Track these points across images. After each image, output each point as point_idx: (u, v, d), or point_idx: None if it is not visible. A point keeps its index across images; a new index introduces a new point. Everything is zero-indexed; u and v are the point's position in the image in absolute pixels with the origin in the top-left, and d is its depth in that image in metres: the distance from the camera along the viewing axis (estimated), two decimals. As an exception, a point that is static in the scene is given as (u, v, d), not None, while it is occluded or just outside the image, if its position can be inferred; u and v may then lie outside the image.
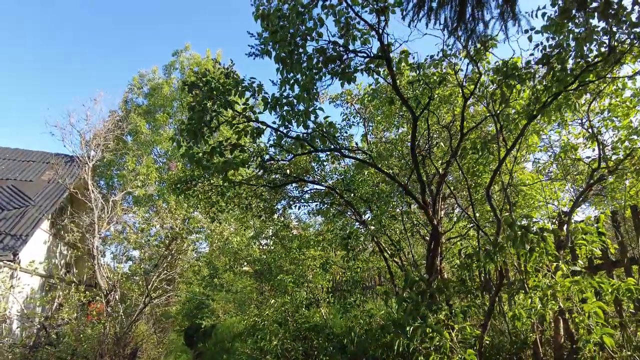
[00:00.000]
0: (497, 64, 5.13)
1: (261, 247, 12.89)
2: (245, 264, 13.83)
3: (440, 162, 6.45)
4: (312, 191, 8.31)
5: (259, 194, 7.28)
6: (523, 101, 5.38)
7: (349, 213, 7.60)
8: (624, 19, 4.68)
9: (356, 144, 7.37)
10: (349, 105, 7.92)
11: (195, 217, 15.53)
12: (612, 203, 6.26)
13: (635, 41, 4.92)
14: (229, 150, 4.63)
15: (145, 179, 19.58)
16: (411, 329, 3.37)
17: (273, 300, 7.18)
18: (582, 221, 5.45)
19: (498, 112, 4.85)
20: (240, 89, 4.98)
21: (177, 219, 13.52)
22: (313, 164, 7.69)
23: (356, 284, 7.60)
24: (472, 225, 8.24)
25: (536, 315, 3.72)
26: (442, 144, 6.67)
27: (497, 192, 6.81)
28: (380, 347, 4.92)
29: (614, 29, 4.75)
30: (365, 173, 7.04)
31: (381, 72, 5.70)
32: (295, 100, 5.11)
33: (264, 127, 5.10)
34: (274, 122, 5.30)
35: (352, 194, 6.60)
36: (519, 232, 3.48)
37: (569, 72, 4.84)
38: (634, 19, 4.73)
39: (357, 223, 7.45)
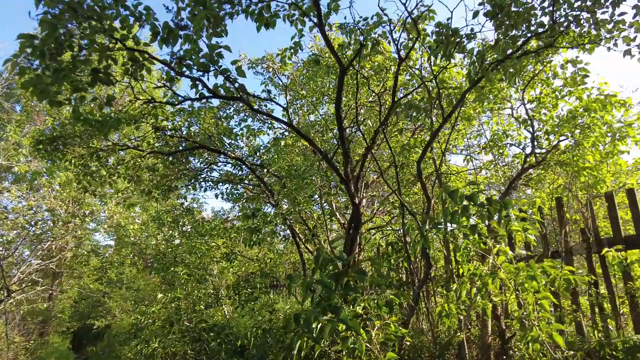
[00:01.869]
0: (438, 27, 4.52)
1: (164, 235, 11.31)
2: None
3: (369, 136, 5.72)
4: (222, 171, 7.16)
5: (152, 166, 5.97)
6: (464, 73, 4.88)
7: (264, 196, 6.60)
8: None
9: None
10: (271, 74, 6.91)
11: (92, 203, 13.36)
12: (537, 195, 6.01)
13: (572, 24, 4.63)
14: (91, 77, 3.37)
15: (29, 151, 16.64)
16: (319, 326, 2.46)
17: (161, 295, 5.93)
18: (515, 207, 5.04)
19: (435, 75, 4.20)
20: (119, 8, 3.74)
21: (65, 200, 11.43)
22: (224, 138, 6.55)
23: (265, 277, 6.58)
24: (394, 217, 7.68)
25: (473, 308, 3.03)
26: (369, 122, 5.95)
27: (425, 178, 6.26)
28: (284, 349, 4.02)
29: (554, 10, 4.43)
30: (282, 144, 6.09)
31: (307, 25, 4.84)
32: (195, 36, 4.01)
33: (151, 61, 3.90)
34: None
35: (264, 169, 5.60)
36: (462, 204, 2.75)
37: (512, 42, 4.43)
38: (572, 0, 4.42)
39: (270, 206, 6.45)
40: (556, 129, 5.78)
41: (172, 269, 7.04)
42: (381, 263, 4.85)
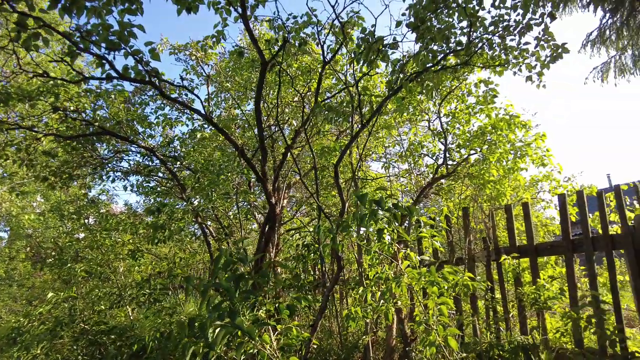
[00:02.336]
0: (364, 34, 4.59)
1: (64, 228, 10.23)
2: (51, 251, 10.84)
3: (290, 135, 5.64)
4: (133, 161, 6.63)
5: (50, 151, 5.33)
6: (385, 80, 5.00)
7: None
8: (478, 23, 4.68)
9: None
10: (194, 62, 6.55)
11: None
12: (446, 204, 6.36)
13: (486, 46, 4.96)
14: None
15: None
16: (215, 331, 2.31)
17: (51, 294, 5.29)
18: (423, 215, 5.26)
19: (357, 80, 4.24)
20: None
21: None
22: (137, 125, 6.07)
23: (174, 278, 6.19)
24: (314, 219, 7.69)
25: (376, 312, 3.06)
26: (293, 121, 5.88)
27: (344, 184, 6.34)
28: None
29: (471, 32, 4.71)
30: (198, 136, 5.78)
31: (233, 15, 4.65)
32: (104, 10, 3.63)
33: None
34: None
35: (178, 162, 5.26)
36: (371, 208, 2.76)
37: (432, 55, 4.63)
38: (486, 24, 4.73)
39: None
40: (467, 143, 6.17)
41: (68, 265, 6.35)
42: (294, 265, 4.79)
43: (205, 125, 6.24)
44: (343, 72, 5.28)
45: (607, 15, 4.18)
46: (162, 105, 6.19)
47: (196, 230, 6.34)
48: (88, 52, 3.66)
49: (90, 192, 7.42)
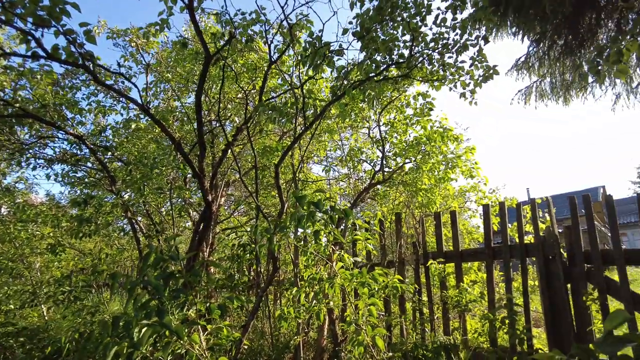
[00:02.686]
0: (311, 38, 4.64)
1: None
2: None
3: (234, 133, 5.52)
4: (59, 149, 6.14)
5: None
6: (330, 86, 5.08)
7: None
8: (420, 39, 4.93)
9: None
10: (134, 49, 6.20)
11: None
12: (380, 208, 6.60)
13: (426, 61, 5.22)
14: None
15: None
16: (141, 330, 2.21)
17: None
18: (359, 218, 5.40)
19: (302, 83, 4.27)
20: None
21: None
22: (65, 110, 5.63)
23: (98, 275, 5.80)
24: (252, 219, 7.60)
25: (309, 312, 3.10)
26: (235, 118, 5.78)
27: (285, 185, 6.34)
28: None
29: (413, 46, 4.93)
30: (133, 126, 5.49)
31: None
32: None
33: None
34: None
35: (109, 152, 4.96)
36: (309, 209, 2.80)
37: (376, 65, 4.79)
38: (428, 40, 4.99)
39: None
40: (403, 152, 6.46)
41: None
42: (229, 265, 4.71)
43: (142, 116, 5.93)
44: (289, 73, 5.30)
45: (533, 44, 4.55)
46: (96, 91, 5.80)
47: (125, 226, 6.01)
48: (10, 26, 3.35)
49: (5, 179, 6.75)
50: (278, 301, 5.62)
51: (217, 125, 5.39)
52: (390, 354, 3.48)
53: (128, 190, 4.69)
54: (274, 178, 4.07)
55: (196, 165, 3.95)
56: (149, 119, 5.23)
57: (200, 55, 5.71)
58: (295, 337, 3.91)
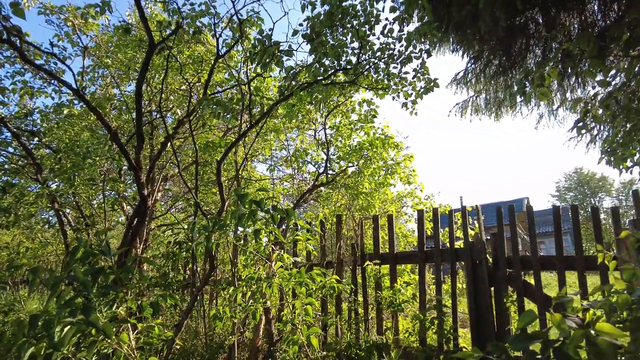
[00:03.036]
0: (261, 36, 4.61)
1: None
2: None
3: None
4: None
5: None
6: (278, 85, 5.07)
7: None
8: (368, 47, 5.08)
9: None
10: (70, 29, 5.76)
11: None
12: (322, 210, 6.69)
13: (372, 69, 5.39)
14: None
15: None
16: (64, 329, 2.07)
17: None
18: (301, 219, 5.43)
19: (249, 80, 4.23)
20: None
21: None
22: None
23: (13, 270, 5.32)
24: (190, 216, 7.37)
25: (245, 312, 3.06)
26: (178, 110, 5.58)
27: (226, 182, 6.22)
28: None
29: (360, 53, 5.07)
30: (65, 112, 5.11)
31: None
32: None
33: None
34: None
35: (36, 138, 4.57)
36: (251, 208, 2.77)
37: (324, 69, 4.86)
38: (375, 49, 5.16)
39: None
40: (347, 156, 6.60)
41: None
42: (163, 262, 4.53)
43: (76, 101, 5.52)
44: (237, 68, 5.22)
45: (471, 61, 4.82)
46: (22, 70, 5.31)
47: (51, 218, 5.57)
48: None
49: None
50: (214, 301, 5.50)
51: (158, 116, 5.16)
52: (325, 353, 3.54)
53: (56, 180, 4.34)
54: (216, 175, 3.99)
55: (133, 157, 3.76)
56: (84, 105, 4.88)
57: (144, 42, 5.45)
58: (230, 336, 3.85)
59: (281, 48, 4.46)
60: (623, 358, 1.78)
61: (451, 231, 4.65)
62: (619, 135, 3.28)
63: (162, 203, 7.38)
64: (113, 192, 5.57)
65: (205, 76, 5.46)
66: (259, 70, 5.11)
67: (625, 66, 3.00)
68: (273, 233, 3.17)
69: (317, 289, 3.67)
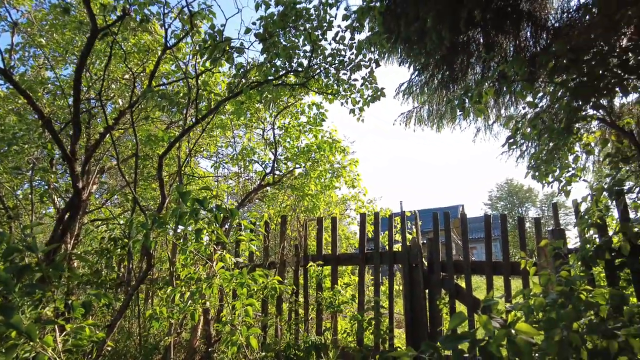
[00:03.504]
0: (213, 30, 4.51)
1: None
2: None
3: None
4: None
5: None
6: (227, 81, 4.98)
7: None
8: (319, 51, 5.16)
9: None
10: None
11: None
12: (268, 210, 6.66)
13: (322, 74, 5.47)
14: None
15: None
16: (-21, 332, 1.91)
17: None
18: (245, 219, 5.38)
19: (198, 74, 4.13)
20: None
21: None
22: None
23: None
24: (126, 211, 7.03)
25: (183, 313, 2.99)
26: (119, 99, 5.31)
27: (168, 177, 6.00)
28: None
29: (312, 57, 5.14)
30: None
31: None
32: None
33: None
34: None
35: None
36: (193, 206, 2.72)
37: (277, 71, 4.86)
38: (326, 54, 5.26)
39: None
40: (294, 157, 6.64)
41: None
42: (96, 260, 4.30)
43: (2, 82, 5.06)
44: (185, 61, 5.07)
45: (416, 73, 5.02)
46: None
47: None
48: None
49: None
50: (149, 300, 5.29)
51: (97, 105, 4.87)
52: (264, 353, 3.53)
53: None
54: (157, 169, 3.85)
55: (67, 146, 3.54)
56: (12, 87, 4.49)
57: (85, 25, 5.13)
58: (167, 337, 3.73)
59: (233, 45, 4.40)
60: (537, 355, 1.97)
61: (390, 235, 4.83)
62: (543, 153, 3.60)
63: (97, 196, 6.97)
64: (42, 183, 5.17)
65: (151, 67, 5.25)
66: (208, 65, 5.00)
67: (551, 90, 3.30)
68: (215, 232, 3.12)
69: (259, 289, 3.66)
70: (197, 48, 4.22)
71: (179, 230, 4.21)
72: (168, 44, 4.13)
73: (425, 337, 4.22)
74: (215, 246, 3.45)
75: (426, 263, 4.57)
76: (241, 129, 7.04)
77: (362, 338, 4.35)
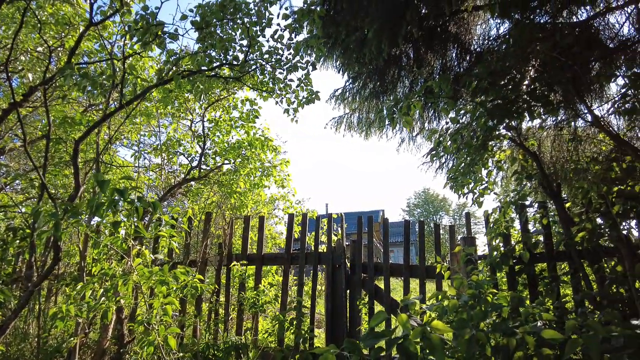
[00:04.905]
0: (145, 12, 4.24)
1: None
2: None
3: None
4: None
5: None
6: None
7: None
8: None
9: None
10: None
11: None
12: (191, 206, 6.40)
13: (258, 70, 5.42)
14: None
15: None
16: None
17: None
18: (166, 214, 5.10)
19: (126, 55, 3.86)
20: None
21: None
22: None
23: None
24: (31, 198, 6.35)
25: (94, 311, 2.77)
26: (29, 74, 4.76)
27: (82, 165, 5.50)
28: None
29: (248, 52, 5.07)
30: None
31: None
32: None
33: None
34: None
35: None
36: (112, 197, 2.53)
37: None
38: (263, 51, 5.21)
39: None
40: (224, 153, 6.47)
41: None
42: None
43: None
44: (111, 41, 4.70)
45: (350, 81, 5.17)
46: None
47: None
48: None
49: None
50: (52, 297, 4.81)
51: (4, 78, 4.32)
52: (181, 354, 3.39)
53: None
54: (73, 155, 3.52)
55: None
56: None
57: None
58: (72, 338, 3.41)
59: (166, 30, 4.17)
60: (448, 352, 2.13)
61: (317, 236, 4.91)
62: (461, 166, 3.90)
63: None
64: None
65: (71, 42, 4.79)
66: (137, 48, 4.69)
67: (471, 109, 3.59)
68: (133, 226, 2.94)
69: (178, 288, 3.50)
70: (127, 29, 3.94)
71: (93, 222, 3.89)
72: (93, 20, 3.81)
73: (344, 337, 4.35)
74: (133, 241, 3.25)
75: (349, 264, 4.72)
76: (167, 118, 6.70)
77: (282, 338, 4.36)
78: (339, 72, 5.05)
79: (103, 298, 2.74)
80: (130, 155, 6.79)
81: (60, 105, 5.19)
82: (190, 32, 6.45)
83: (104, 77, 3.81)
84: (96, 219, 3.57)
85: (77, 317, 3.10)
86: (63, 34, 4.62)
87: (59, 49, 4.62)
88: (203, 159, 6.00)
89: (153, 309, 2.84)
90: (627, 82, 3.43)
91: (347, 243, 5.27)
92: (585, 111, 3.82)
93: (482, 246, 4.94)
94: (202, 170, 5.96)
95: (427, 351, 1.84)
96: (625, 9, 3.74)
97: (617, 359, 1.80)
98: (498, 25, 4.21)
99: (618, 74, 3.69)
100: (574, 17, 3.80)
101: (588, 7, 3.73)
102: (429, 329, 1.85)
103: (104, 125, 4.41)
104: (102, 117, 3.62)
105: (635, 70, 3.48)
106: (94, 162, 4.20)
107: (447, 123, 4.18)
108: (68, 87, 4.21)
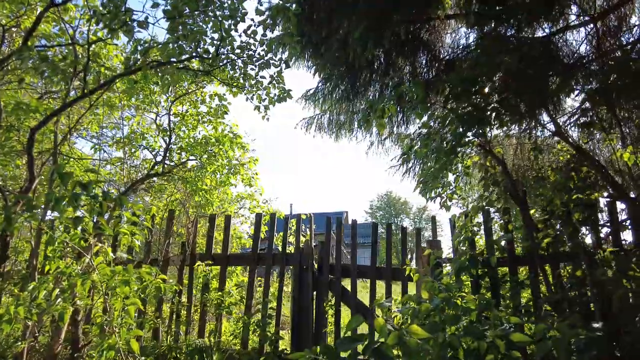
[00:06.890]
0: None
1: None
2: None
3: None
4: None
5: None
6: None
7: None
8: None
9: None
10: None
11: None
12: (154, 203, 6.16)
13: (229, 65, 5.31)
14: None
15: None
16: None
17: None
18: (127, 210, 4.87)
19: (90, 42, 3.64)
20: None
21: None
22: None
23: None
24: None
25: (48, 313, 2.58)
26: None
27: (37, 155, 5.15)
28: None
29: (220, 46, 4.95)
30: None
31: None
32: None
33: None
34: None
35: None
36: (73, 190, 2.36)
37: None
38: (235, 46, 5.10)
39: None
40: (190, 148, 6.27)
41: None
42: None
43: None
44: (73, 25, 4.42)
45: (322, 82, 5.13)
46: None
47: None
48: None
49: None
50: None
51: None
52: (142, 358, 3.23)
53: None
54: (27, 144, 3.28)
55: None
56: None
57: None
58: (19, 343, 3.16)
59: (135, 17, 3.98)
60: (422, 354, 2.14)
61: (285, 236, 4.85)
62: (431, 170, 3.97)
63: None
64: None
65: (28, 23, 4.47)
66: (101, 34, 4.45)
67: (442, 114, 3.66)
68: (97, 222, 2.77)
69: (140, 288, 3.33)
70: (92, 14, 3.72)
71: (48, 216, 3.65)
72: (54, 1, 3.58)
73: (310, 339, 4.30)
74: (92, 238, 3.06)
75: (316, 265, 4.68)
76: (131, 110, 6.40)
77: (247, 340, 4.26)
78: (309, 71, 5.01)
79: (59, 299, 2.56)
80: (90, 148, 6.45)
81: (12, 91, 4.83)
82: (161, 21, 6.21)
83: (65, 62, 3.58)
84: (51, 213, 3.35)
85: (26, 319, 2.88)
86: (19, 13, 4.30)
87: (12, 28, 4.30)
88: (168, 154, 5.79)
89: (114, 310, 2.69)
90: (585, 97, 3.62)
91: (315, 244, 5.24)
92: (548, 122, 4.00)
93: (445, 249, 5.05)
94: (166, 166, 5.74)
95: (403, 356, 1.84)
96: (581, 29, 3.96)
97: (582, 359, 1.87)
98: (467, 35, 4.31)
99: (576, 88, 3.88)
100: (536, 32, 3.97)
101: (550, 24, 3.91)
102: (405, 333, 1.85)
103: (62, 114, 4.15)
104: (62, 105, 3.39)
105: (591, 87, 3.67)
106: (50, 154, 3.93)
107: (419, 128, 4.24)
108: (23, 71, 3.92)
